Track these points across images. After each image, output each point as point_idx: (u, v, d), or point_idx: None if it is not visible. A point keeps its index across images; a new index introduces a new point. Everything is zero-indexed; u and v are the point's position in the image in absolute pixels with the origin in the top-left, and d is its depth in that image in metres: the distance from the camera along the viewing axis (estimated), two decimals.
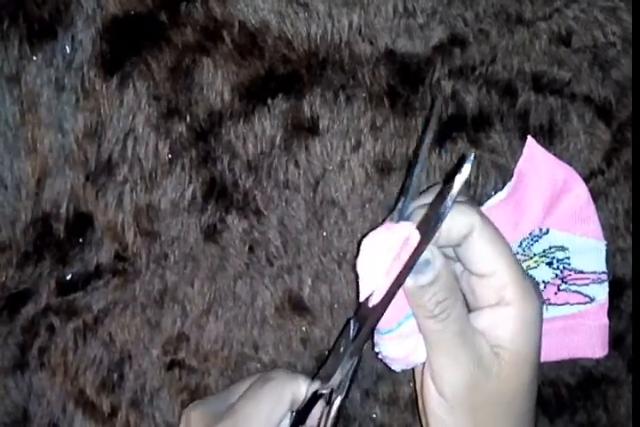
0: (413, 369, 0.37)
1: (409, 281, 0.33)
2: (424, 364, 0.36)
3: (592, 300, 0.45)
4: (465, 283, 0.37)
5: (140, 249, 0.45)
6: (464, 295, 0.36)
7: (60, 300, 0.45)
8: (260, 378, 0.41)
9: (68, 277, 0.45)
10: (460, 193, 0.32)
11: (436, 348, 0.35)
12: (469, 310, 0.37)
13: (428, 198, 0.37)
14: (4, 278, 0.44)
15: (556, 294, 0.45)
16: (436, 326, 0.34)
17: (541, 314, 0.36)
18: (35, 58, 0.43)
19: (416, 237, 0.33)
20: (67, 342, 0.45)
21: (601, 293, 0.45)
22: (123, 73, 0.43)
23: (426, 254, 0.33)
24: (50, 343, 0.45)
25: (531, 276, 0.42)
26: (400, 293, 0.34)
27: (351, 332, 0.37)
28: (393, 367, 0.38)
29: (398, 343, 0.37)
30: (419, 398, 0.37)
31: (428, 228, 0.32)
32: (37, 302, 0.45)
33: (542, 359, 0.43)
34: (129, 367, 0.46)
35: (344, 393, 0.38)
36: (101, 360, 0.46)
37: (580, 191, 0.44)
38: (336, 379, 0.37)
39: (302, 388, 0.39)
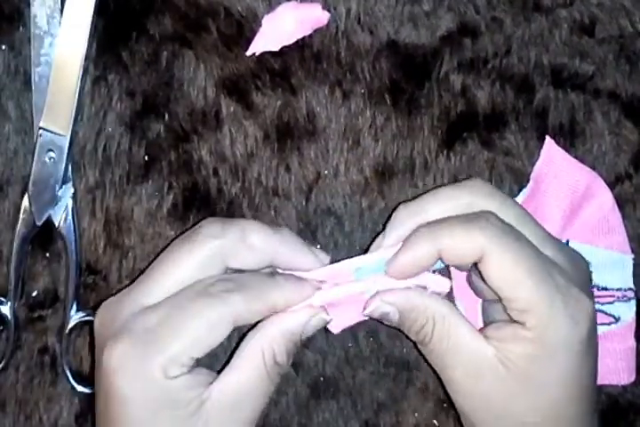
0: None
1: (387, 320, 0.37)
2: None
3: (617, 320, 0.44)
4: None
5: (111, 263, 0.44)
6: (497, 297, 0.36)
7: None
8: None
9: (34, 294, 0.43)
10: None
11: (441, 373, 0.36)
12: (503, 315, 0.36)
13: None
14: None
15: None
16: (425, 350, 0.36)
17: (574, 338, 0.34)
18: (3, 47, 0.43)
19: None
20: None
21: (627, 312, 0.44)
22: (93, 66, 0.43)
23: (382, 307, 0.35)
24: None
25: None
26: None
27: None
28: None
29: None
30: None
31: None
32: None
33: None
34: None
35: None
36: None
37: (604, 198, 0.44)
38: None
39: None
